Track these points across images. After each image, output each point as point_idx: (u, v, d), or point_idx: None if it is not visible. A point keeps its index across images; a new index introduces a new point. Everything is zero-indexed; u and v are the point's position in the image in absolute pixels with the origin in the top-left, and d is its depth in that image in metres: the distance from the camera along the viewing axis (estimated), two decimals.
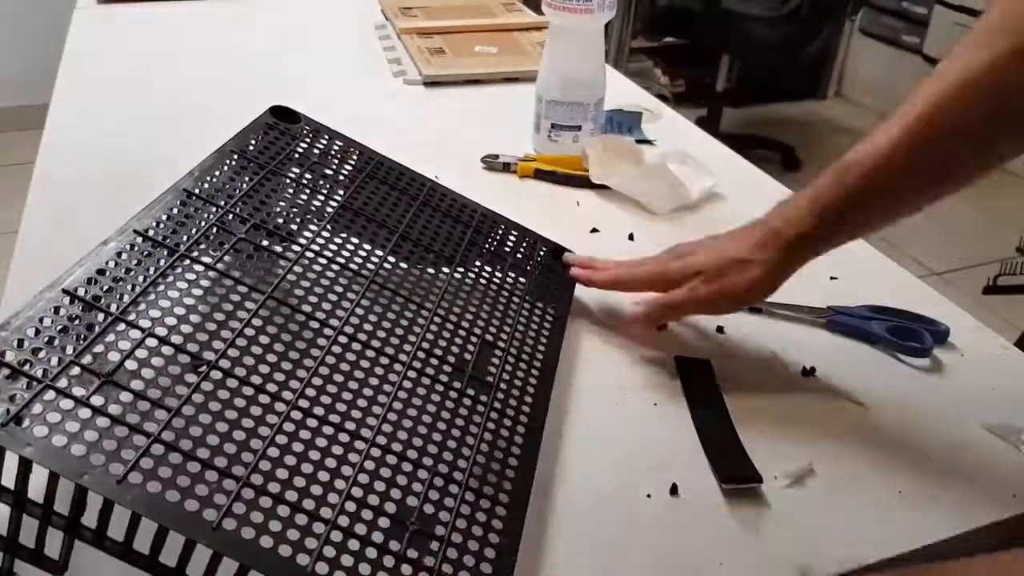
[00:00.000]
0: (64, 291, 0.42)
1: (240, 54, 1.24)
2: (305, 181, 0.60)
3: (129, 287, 0.45)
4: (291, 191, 0.59)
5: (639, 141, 1.02)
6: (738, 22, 2.64)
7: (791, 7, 2.60)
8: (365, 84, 1.17)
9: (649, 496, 0.52)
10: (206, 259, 0.48)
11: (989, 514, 0.52)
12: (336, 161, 0.65)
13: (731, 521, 0.51)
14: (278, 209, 0.56)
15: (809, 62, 3.17)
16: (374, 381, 0.45)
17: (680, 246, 0.66)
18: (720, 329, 0.68)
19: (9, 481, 0.37)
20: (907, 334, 0.67)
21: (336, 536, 0.36)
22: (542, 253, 0.68)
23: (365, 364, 0.46)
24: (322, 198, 0.60)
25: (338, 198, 0.60)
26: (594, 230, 0.83)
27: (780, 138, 3.00)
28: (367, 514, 0.38)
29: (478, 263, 0.63)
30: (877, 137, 0.55)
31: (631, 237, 0.82)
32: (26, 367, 0.37)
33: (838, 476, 0.55)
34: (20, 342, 0.39)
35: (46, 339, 0.39)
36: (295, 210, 0.58)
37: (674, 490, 0.52)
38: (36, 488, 0.37)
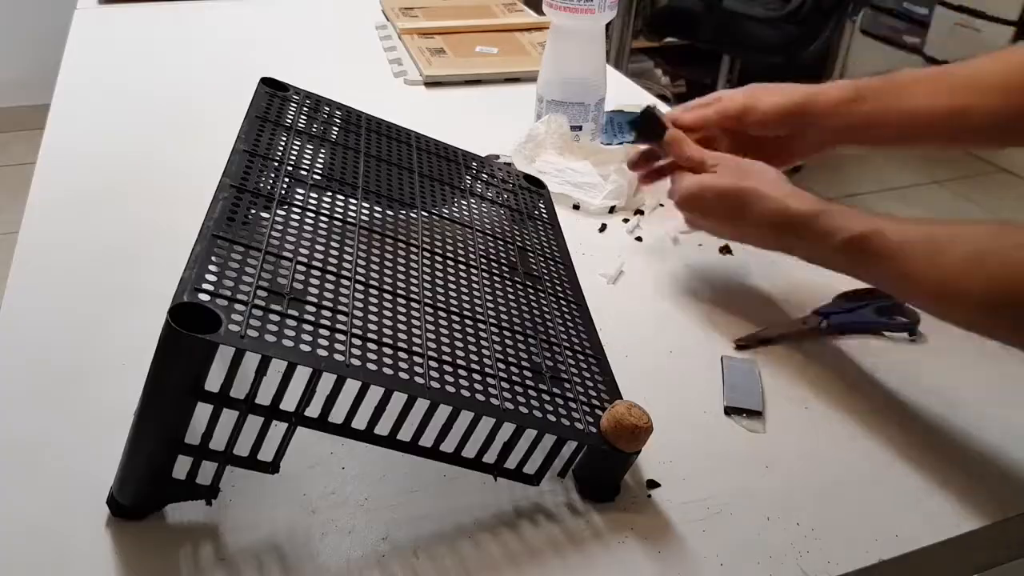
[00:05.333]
0: (215, 236, 0.48)
1: (240, 54, 1.24)
2: (334, 136, 0.67)
3: (258, 231, 0.51)
4: (325, 147, 0.65)
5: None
6: (739, 22, 2.64)
7: (792, 7, 2.60)
8: (365, 84, 1.17)
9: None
10: (298, 202, 0.57)
11: None
12: (338, 119, 0.70)
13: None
14: (322, 158, 0.63)
15: (810, 62, 3.16)
16: (466, 284, 0.58)
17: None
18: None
19: (239, 393, 0.43)
20: (889, 311, 0.68)
21: (505, 384, 0.50)
22: (518, 175, 0.78)
23: (454, 272, 0.58)
24: (352, 151, 0.67)
25: (364, 150, 0.68)
26: (603, 227, 0.83)
27: None
28: (515, 370, 0.52)
29: (484, 192, 0.72)
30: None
31: (639, 239, 0.82)
32: (233, 296, 0.44)
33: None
34: (212, 283, 0.44)
35: (232, 277, 0.45)
36: (342, 158, 0.65)
37: None
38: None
